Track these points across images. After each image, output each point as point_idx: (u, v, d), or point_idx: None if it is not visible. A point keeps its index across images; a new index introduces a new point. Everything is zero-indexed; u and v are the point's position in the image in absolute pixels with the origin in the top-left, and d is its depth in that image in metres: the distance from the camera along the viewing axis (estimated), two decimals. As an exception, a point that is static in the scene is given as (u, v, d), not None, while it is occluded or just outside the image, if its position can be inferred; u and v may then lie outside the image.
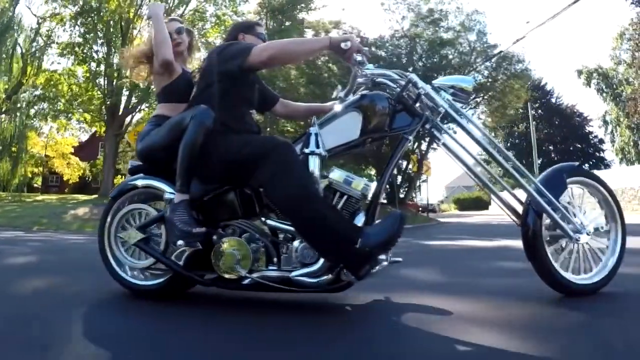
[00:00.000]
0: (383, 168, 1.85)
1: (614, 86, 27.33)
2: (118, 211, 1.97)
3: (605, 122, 30.27)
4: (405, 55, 18.43)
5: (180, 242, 1.68)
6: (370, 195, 1.69)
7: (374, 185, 1.70)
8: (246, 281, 1.70)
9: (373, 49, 17.03)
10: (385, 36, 18.86)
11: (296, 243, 1.69)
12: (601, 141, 33.09)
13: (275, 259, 1.72)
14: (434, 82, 1.91)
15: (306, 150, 1.69)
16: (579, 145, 34.11)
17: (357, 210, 1.71)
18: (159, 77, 2.04)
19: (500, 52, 18.28)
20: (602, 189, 2.03)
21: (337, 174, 1.71)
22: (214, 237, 1.75)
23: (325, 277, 1.64)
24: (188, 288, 1.99)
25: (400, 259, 1.73)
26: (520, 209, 1.93)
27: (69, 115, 17.23)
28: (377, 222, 1.65)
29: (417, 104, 1.85)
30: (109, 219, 1.97)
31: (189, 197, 1.74)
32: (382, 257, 1.61)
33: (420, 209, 26.19)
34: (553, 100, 36.11)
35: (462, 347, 1.28)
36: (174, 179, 1.76)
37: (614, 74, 27.52)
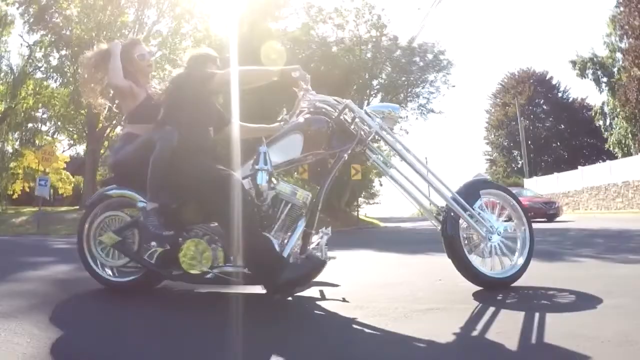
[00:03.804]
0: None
1: (611, 75, 24.60)
2: (95, 217, 2.26)
3: (604, 114, 26.90)
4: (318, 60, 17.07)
5: (153, 243, 1.99)
6: (309, 204, 2.06)
7: (306, 195, 2.06)
8: (208, 275, 2.01)
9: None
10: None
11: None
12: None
13: (231, 257, 2.05)
14: (365, 108, 2.28)
15: (256, 167, 2.01)
16: (590, 140, 31.36)
17: (299, 215, 2.06)
18: (123, 103, 2.33)
19: (412, 41, 17.86)
20: (509, 198, 2.43)
21: (283, 186, 2.06)
22: (180, 239, 2.06)
23: None
24: (157, 284, 2.29)
25: (334, 257, 2.09)
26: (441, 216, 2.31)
27: (55, 134, 18.61)
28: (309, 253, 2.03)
29: (352, 127, 2.22)
30: (86, 225, 2.25)
31: (159, 204, 2.05)
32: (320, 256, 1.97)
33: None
34: (560, 94, 34.07)
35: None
36: (142, 189, 2.06)
37: (610, 62, 24.80)
